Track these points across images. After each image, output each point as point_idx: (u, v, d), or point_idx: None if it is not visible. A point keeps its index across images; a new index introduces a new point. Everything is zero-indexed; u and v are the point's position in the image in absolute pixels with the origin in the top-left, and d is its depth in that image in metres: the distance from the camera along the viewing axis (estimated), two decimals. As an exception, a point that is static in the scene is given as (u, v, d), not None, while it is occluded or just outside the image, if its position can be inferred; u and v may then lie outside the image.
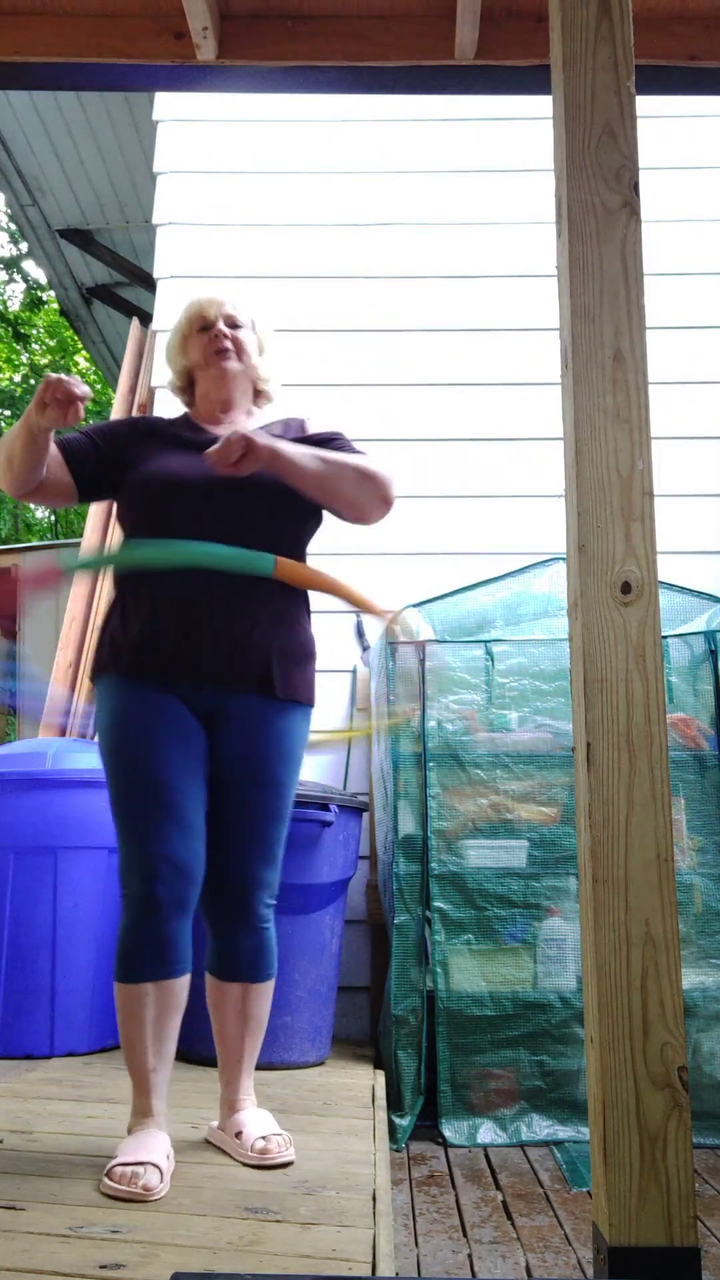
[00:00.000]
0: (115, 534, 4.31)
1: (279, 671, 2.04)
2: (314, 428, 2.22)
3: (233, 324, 2.19)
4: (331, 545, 2.26)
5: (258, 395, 2.26)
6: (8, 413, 14.18)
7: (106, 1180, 1.78)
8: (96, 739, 2.05)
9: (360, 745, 3.72)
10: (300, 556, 2.14)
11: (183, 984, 1.97)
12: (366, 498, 2.04)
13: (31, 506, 14.48)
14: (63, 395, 1.87)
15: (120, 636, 2.03)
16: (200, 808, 2.00)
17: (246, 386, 2.23)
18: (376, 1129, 2.32)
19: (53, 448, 2.07)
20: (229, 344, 2.17)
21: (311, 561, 2.19)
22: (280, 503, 2.05)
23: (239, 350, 2.19)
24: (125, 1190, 1.74)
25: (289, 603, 2.09)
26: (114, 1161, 1.81)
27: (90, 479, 2.12)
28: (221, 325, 2.18)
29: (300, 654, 2.10)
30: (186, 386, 2.28)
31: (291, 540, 2.10)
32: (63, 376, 1.88)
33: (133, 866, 1.94)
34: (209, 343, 2.18)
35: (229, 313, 2.19)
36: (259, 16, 2.41)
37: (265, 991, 2.12)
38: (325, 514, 2.16)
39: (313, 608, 2.17)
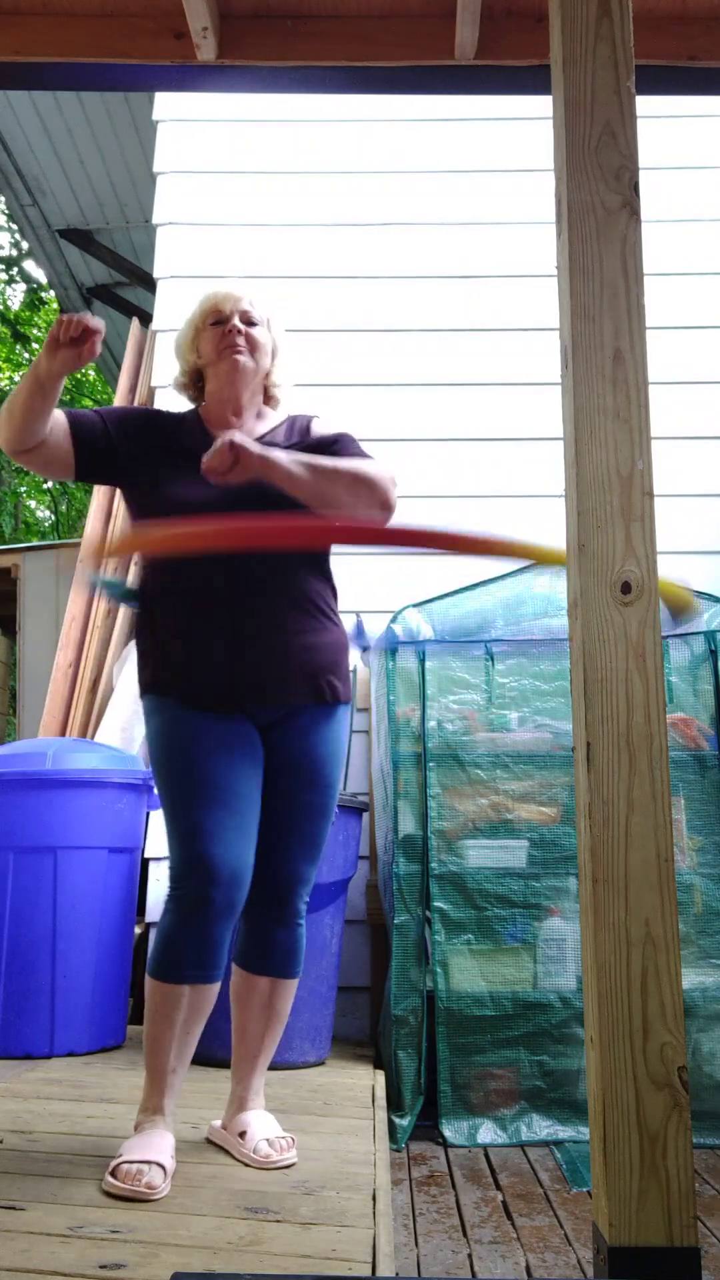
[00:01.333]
0: (118, 531, 4.31)
1: (329, 680, 2.07)
2: (320, 427, 2.20)
3: (248, 320, 2.14)
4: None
5: (268, 398, 2.23)
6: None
7: (110, 1178, 1.78)
8: (147, 748, 2.05)
9: (360, 745, 3.72)
10: (324, 572, 2.14)
11: (214, 991, 1.97)
12: (363, 503, 1.99)
13: (31, 505, 14.47)
14: (77, 332, 1.83)
15: (173, 658, 2.02)
16: (257, 813, 2.01)
17: (257, 387, 2.18)
18: (376, 1129, 2.32)
19: (60, 416, 2.03)
20: (242, 340, 2.12)
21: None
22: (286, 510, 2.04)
23: (252, 347, 2.13)
24: (129, 1188, 1.75)
25: (326, 602, 2.10)
26: (119, 1159, 1.82)
27: (91, 457, 2.06)
28: (236, 321, 2.13)
29: (342, 656, 2.13)
30: (191, 384, 2.23)
31: (312, 558, 2.10)
32: (74, 314, 1.84)
33: (189, 867, 1.93)
34: (222, 337, 2.12)
35: (245, 309, 2.14)
36: (259, 16, 2.41)
37: (291, 989, 2.14)
38: None
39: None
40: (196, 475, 1.95)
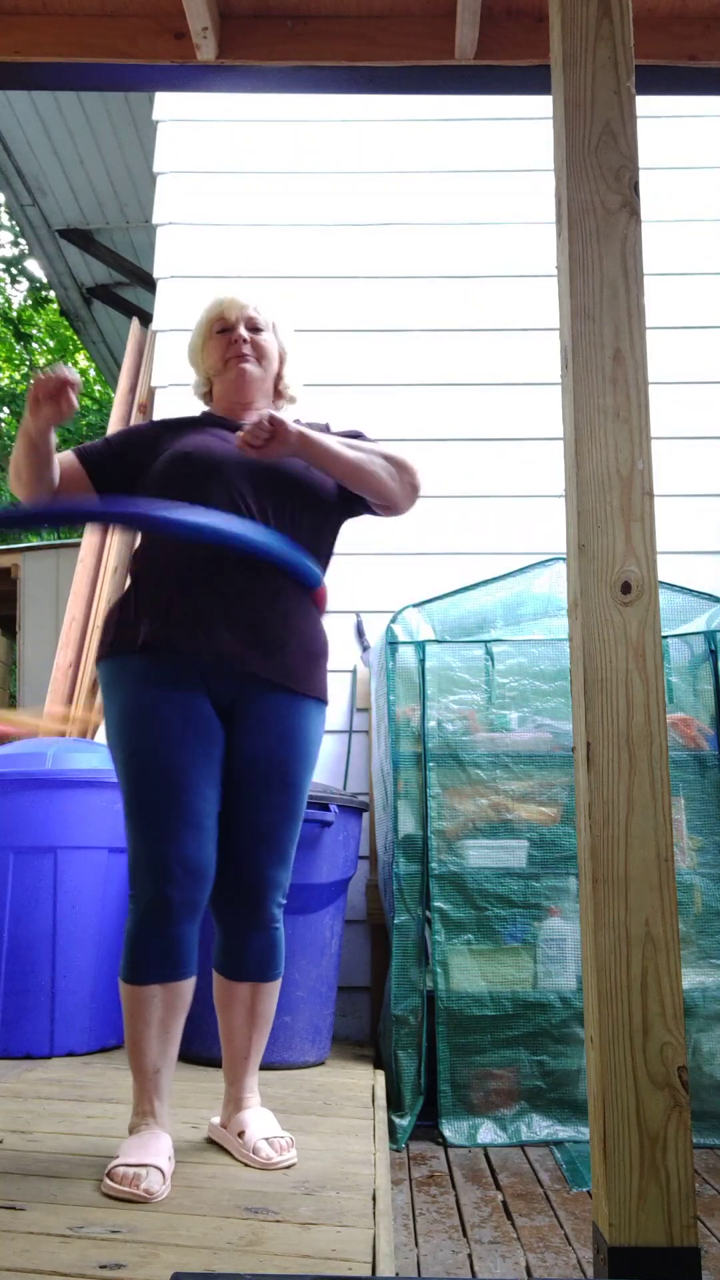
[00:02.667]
0: (116, 532, 4.31)
1: (301, 664, 2.03)
2: (335, 429, 2.21)
3: (253, 327, 2.16)
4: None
5: (278, 397, 2.24)
6: (5, 412, 14.18)
7: (108, 1180, 1.77)
8: (105, 730, 2.01)
9: (360, 745, 3.72)
10: (325, 545, 2.14)
11: (189, 985, 1.96)
12: (398, 485, 2.08)
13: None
14: (53, 387, 1.88)
15: (137, 612, 2.00)
16: (214, 809, 1.98)
17: (266, 391, 2.20)
18: (376, 1129, 2.32)
19: (70, 456, 2.07)
20: (248, 349, 2.15)
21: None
22: (310, 490, 2.06)
23: (259, 355, 2.16)
24: (126, 1191, 1.74)
25: (305, 595, 2.09)
26: (116, 1161, 1.81)
27: (107, 481, 2.10)
28: (242, 329, 2.15)
29: (318, 649, 2.10)
30: (210, 393, 2.25)
31: (318, 527, 2.10)
32: (49, 371, 1.88)
33: (144, 867, 1.92)
34: (227, 346, 2.15)
35: (250, 315, 2.16)
36: (259, 16, 2.41)
37: (273, 991, 2.12)
38: (351, 513, 2.17)
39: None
40: (215, 434, 1.98)
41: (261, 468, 2.00)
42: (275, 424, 1.89)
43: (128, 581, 2.10)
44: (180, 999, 1.95)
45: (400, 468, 2.08)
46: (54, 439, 2.00)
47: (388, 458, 2.07)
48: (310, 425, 2.20)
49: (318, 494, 2.08)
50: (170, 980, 1.92)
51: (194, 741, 1.95)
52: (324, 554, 2.14)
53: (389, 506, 2.11)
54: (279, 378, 2.22)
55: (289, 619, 2.03)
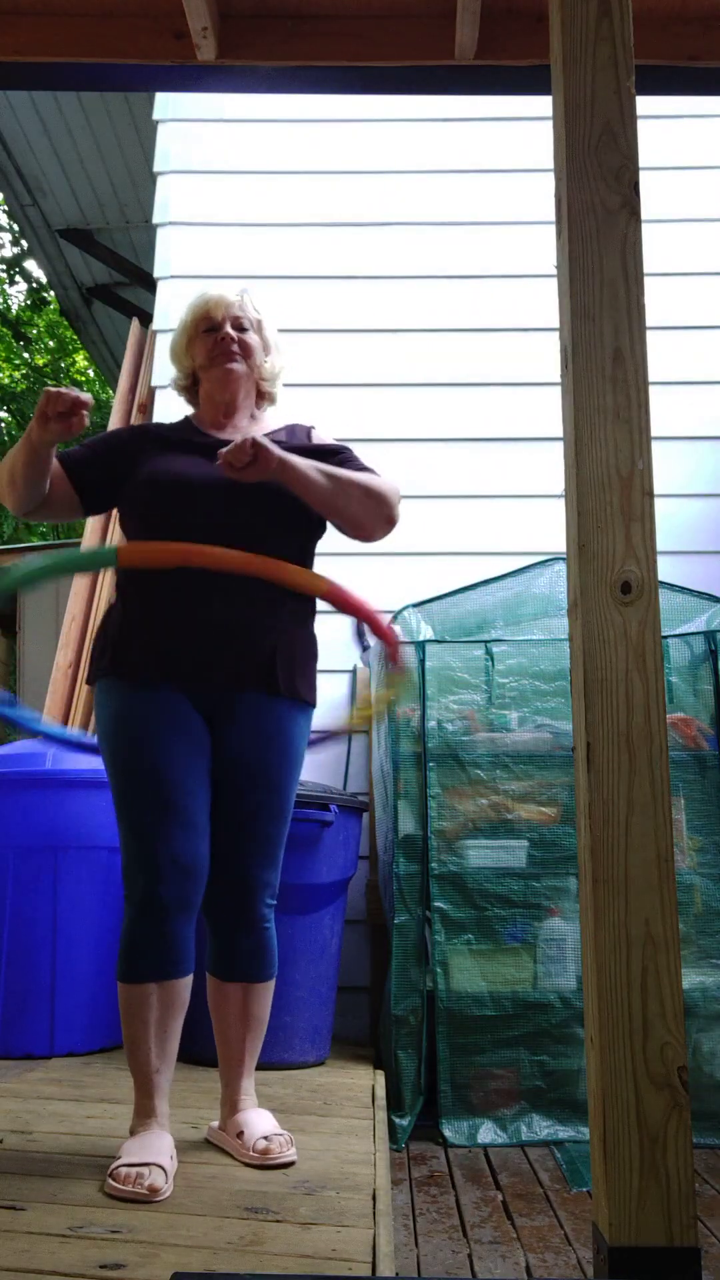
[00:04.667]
0: (115, 533, 4.32)
1: (281, 668, 2.05)
2: (320, 437, 2.22)
3: (239, 326, 2.18)
4: (331, 546, 2.26)
5: (260, 397, 2.25)
6: (4, 413, 14.17)
7: (110, 1181, 1.77)
8: (98, 740, 2.05)
9: (360, 745, 3.72)
10: (306, 564, 2.14)
11: (186, 984, 1.97)
12: (371, 516, 2.06)
13: (31, 506, 14.42)
14: (65, 407, 1.88)
15: (121, 640, 2.03)
16: (205, 806, 2.00)
17: (250, 388, 2.22)
18: (376, 1129, 2.32)
19: (54, 464, 2.07)
20: (235, 347, 2.16)
21: (315, 563, 2.20)
22: (284, 511, 2.05)
23: (245, 352, 2.17)
24: (130, 1191, 1.74)
25: (292, 600, 2.08)
26: (118, 1162, 1.81)
27: (93, 491, 2.12)
28: (228, 328, 2.16)
29: (302, 653, 2.11)
30: (191, 386, 2.27)
31: (294, 548, 2.10)
32: (62, 389, 1.89)
33: (137, 866, 1.94)
34: (214, 344, 2.17)
35: (235, 314, 2.18)
36: (259, 16, 2.41)
37: (266, 991, 2.12)
38: (322, 531, 2.18)
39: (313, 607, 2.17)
40: (191, 456, 2.00)
41: (234, 489, 1.99)
42: (257, 448, 1.90)
43: (114, 599, 2.12)
44: (177, 997, 1.95)
45: (378, 500, 2.05)
46: (54, 453, 2.02)
47: (366, 488, 2.04)
48: (294, 428, 2.22)
49: (290, 516, 2.06)
50: (166, 978, 1.93)
51: (179, 741, 1.98)
52: (304, 564, 2.14)
53: (361, 535, 2.11)
54: (262, 377, 2.23)
55: (270, 624, 2.04)
